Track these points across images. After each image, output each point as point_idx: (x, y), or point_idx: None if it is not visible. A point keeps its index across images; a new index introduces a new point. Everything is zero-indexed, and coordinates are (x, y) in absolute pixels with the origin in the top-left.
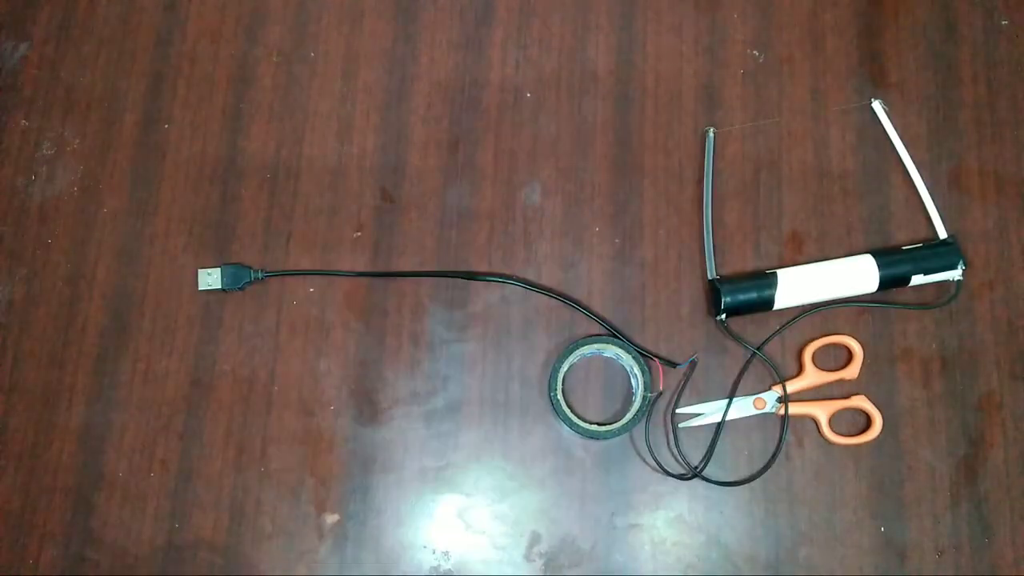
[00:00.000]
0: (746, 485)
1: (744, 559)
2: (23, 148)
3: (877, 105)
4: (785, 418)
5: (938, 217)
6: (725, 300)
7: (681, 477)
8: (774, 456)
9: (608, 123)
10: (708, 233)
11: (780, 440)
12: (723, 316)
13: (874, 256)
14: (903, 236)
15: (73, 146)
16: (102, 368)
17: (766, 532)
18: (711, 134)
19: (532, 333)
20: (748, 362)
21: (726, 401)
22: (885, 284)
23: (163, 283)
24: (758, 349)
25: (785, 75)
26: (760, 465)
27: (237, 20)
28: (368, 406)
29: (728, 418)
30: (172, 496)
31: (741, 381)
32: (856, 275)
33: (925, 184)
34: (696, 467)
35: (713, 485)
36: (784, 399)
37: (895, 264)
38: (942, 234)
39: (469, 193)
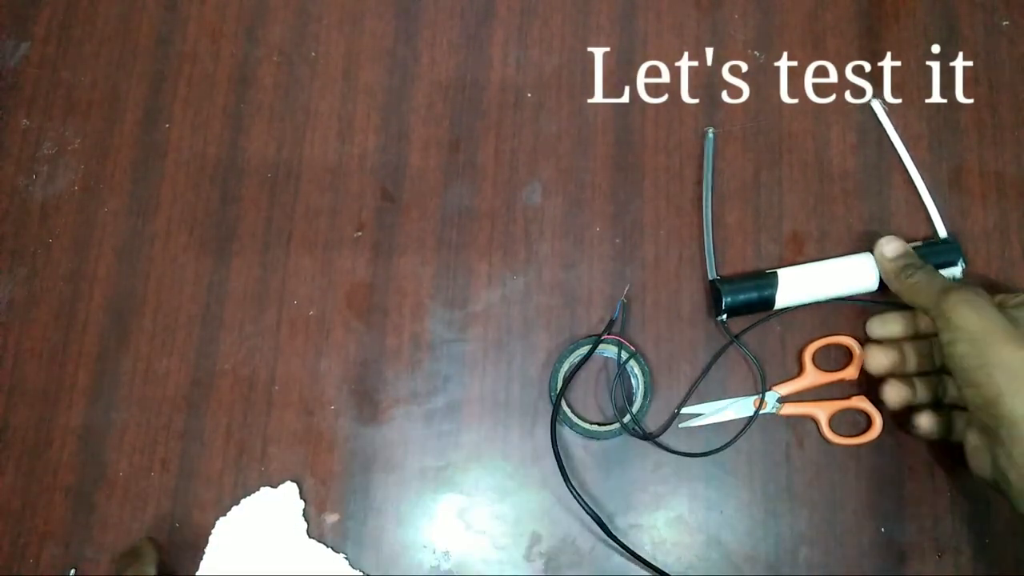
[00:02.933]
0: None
1: (744, 559)
2: (24, 147)
3: (876, 104)
4: (758, 405)
5: (938, 217)
6: (726, 300)
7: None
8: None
9: (608, 123)
10: (708, 234)
11: (755, 415)
12: (724, 316)
13: (874, 255)
14: (903, 236)
15: (74, 145)
16: (102, 367)
17: (766, 532)
18: (711, 134)
19: (532, 333)
20: (724, 348)
21: (727, 401)
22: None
23: (164, 282)
24: (737, 337)
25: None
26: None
27: (238, 20)
28: (368, 406)
29: (728, 418)
30: (172, 496)
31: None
32: (856, 274)
33: (925, 184)
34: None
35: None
36: (766, 392)
37: None
38: (942, 233)
39: (470, 193)
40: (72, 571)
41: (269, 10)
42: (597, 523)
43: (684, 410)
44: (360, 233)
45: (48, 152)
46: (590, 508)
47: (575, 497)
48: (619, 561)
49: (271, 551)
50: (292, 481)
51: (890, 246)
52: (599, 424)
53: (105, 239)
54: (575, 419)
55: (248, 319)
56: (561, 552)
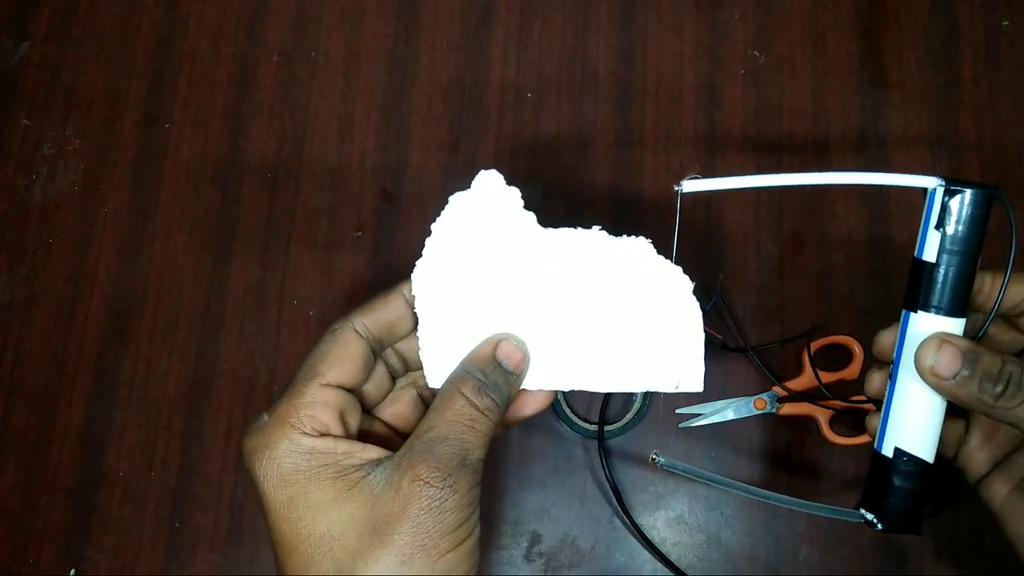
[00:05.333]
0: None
1: (744, 559)
2: (24, 148)
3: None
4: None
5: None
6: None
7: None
8: None
9: (609, 123)
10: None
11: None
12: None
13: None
14: (904, 236)
15: (74, 145)
16: (102, 368)
17: (766, 532)
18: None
19: None
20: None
21: (727, 401)
22: None
23: (164, 282)
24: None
25: (786, 75)
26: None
27: (238, 20)
28: None
29: (728, 419)
30: (172, 496)
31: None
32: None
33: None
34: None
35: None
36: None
37: None
38: None
39: None
40: (72, 571)
41: (269, 10)
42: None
43: (683, 410)
44: (360, 233)
45: (48, 152)
46: (647, 538)
47: (632, 528)
48: (620, 561)
49: (501, 243)
50: None
51: (943, 358)
52: (599, 424)
53: (105, 239)
54: (575, 419)
55: (248, 319)
56: (561, 552)
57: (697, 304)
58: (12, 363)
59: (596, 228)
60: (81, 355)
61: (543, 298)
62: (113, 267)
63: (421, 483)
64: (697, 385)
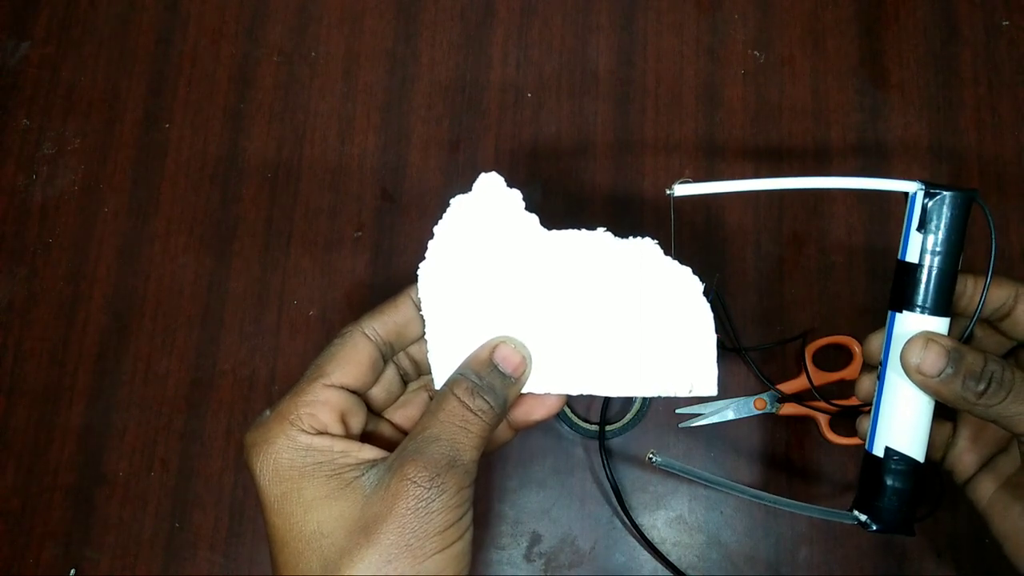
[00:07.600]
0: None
1: (744, 559)
2: (24, 147)
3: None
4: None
5: None
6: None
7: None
8: None
9: (608, 123)
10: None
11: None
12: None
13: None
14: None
15: (74, 145)
16: (102, 368)
17: (766, 532)
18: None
19: None
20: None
21: (727, 401)
22: None
23: (164, 282)
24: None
25: (786, 75)
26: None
27: (238, 20)
28: None
29: (728, 419)
30: (172, 496)
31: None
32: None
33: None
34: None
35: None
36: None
37: None
38: None
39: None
40: (72, 571)
41: (269, 10)
42: (650, 548)
43: (683, 410)
44: (360, 233)
45: (48, 152)
46: (643, 534)
47: (632, 528)
48: (620, 561)
49: (507, 245)
50: None
51: (929, 356)
52: (599, 424)
53: (105, 239)
54: (575, 419)
55: (248, 319)
56: (561, 552)
57: (708, 306)
58: (12, 363)
59: (601, 229)
60: (81, 355)
61: (549, 301)
62: (113, 267)
63: (408, 482)
64: (711, 388)
